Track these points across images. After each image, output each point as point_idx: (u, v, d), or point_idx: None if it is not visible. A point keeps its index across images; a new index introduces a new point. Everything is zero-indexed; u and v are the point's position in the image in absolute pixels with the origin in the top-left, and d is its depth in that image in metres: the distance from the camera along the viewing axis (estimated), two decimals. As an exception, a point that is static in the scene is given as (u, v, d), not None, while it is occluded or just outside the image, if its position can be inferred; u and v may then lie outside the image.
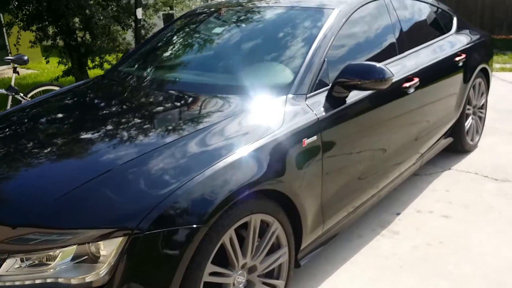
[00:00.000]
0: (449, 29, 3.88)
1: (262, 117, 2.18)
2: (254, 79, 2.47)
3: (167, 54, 3.18)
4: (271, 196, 2.04)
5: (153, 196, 1.65)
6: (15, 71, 5.25)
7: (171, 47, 3.22)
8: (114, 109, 2.47)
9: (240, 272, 1.99)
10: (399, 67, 2.95)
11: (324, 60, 2.49)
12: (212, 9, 3.31)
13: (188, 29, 3.29)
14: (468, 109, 4.00)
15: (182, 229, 1.65)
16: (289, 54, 2.59)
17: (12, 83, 5.18)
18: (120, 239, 1.55)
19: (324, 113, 2.31)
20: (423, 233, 2.92)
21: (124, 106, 2.49)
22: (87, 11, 7.17)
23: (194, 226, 1.68)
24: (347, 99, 2.46)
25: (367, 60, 2.80)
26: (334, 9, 2.76)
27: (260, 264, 2.07)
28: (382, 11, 3.10)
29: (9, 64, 5.30)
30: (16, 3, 7.02)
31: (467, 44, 3.85)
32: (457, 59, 3.59)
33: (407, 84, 2.91)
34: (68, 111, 2.61)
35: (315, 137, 2.23)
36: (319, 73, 2.44)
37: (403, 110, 2.92)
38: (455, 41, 3.75)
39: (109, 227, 1.56)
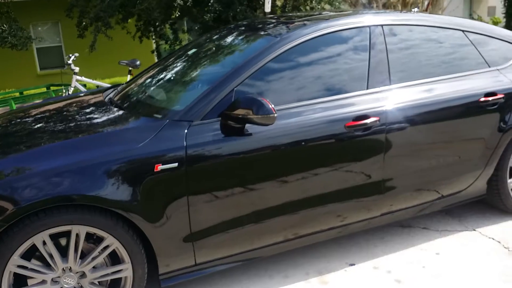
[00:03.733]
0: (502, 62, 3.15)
1: (126, 134, 2.32)
2: (160, 102, 2.60)
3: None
4: (104, 212, 2.19)
5: None
6: (130, 72, 6.25)
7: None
8: None
9: (68, 274, 2.21)
10: (347, 105, 2.63)
11: (233, 90, 2.44)
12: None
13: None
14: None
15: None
16: (205, 80, 2.62)
17: None
18: None
19: (199, 143, 2.31)
20: (347, 292, 2.60)
21: None
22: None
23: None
24: (249, 133, 2.39)
25: (302, 95, 2.60)
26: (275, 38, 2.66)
27: (90, 272, 2.25)
28: (352, 42, 2.79)
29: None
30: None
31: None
32: (483, 99, 2.93)
33: (355, 123, 2.58)
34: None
35: (175, 164, 2.26)
36: (218, 103, 2.41)
37: (345, 156, 2.61)
38: (494, 78, 3.05)
39: None
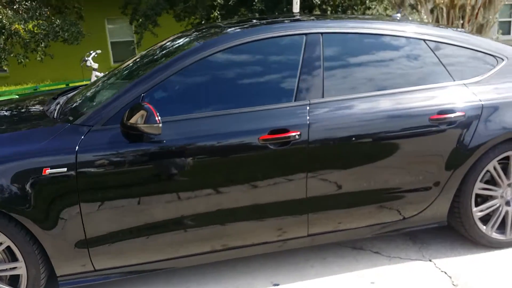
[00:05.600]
0: (476, 74, 2.79)
1: (31, 136, 2.38)
2: (80, 107, 2.61)
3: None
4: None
5: None
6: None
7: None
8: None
9: None
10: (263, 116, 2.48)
11: (142, 96, 2.40)
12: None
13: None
14: (493, 190, 2.82)
15: None
16: (122, 87, 2.57)
17: None
18: None
19: (94, 148, 2.29)
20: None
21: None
22: None
23: None
24: (147, 141, 2.33)
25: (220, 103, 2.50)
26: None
27: (-17, 266, 2.33)
28: (284, 50, 2.62)
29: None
30: None
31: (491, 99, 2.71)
32: (435, 117, 2.62)
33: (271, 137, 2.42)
34: None
35: (64, 169, 2.26)
36: (122, 108, 2.38)
37: (258, 170, 2.46)
38: (455, 92, 2.71)
39: None
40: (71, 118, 2.46)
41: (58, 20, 8.55)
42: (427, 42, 2.76)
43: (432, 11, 7.35)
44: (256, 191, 2.47)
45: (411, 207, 2.73)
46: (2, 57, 8.24)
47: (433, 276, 2.70)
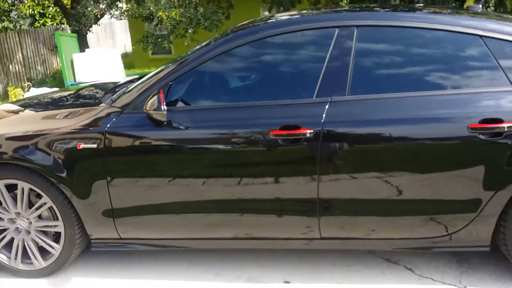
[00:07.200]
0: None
1: (78, 116, 2.74)
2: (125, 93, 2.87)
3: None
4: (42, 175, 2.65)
5: None
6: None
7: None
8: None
9: (20, 219, 2.78)
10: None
11: (169, 85, 2.58)
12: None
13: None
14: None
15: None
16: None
17: None
18: None
19: (121, 129, 2.55)
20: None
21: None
22: None
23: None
24: (166, 126, 2.49)
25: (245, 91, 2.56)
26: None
27: (34, 221, 2.77)
28: (312, 44, 2.54)
29: None
30: None
31: None
32: (476, 126, 2.30)
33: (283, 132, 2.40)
34: None
35: (94, 145, 2.57)
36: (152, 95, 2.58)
37: (267, 165, 2.47)
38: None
39: None
40: (110, 102, 2.75)
41: (201, 8, 9.24)
42: (483, 39, 2.40)
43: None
44: (274, 186, 2.46)
45: (437, 226, 2.45)
46: (150, 41, 9.27)
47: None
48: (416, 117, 2.33)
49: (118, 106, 2.65)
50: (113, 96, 2.88)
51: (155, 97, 2.40)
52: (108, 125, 2.56)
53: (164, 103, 2.39)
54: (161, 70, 2.70)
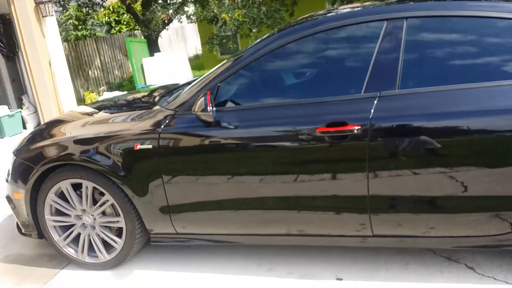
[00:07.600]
0: None
1: (135, 117, 2.90)
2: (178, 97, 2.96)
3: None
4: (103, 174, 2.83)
5: None
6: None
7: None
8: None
9: (86, 215, 2.99)
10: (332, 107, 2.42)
11: (218, 86, 2.65)
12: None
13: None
14: None
15: (28, 166, 2.96)
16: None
17: None
18: None
19: (174, 130, 2.66)
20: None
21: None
22: None
23: (34, 167, 2.94)
24: (226, 125, 2.54)
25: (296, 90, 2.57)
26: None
27: (98, 217, 2.96)
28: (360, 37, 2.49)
29: None
30: None
31: None
32: None
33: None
34: None
35: (150, 146, 2.70)
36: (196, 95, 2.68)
37: (313, 163, 2.46)
38: None
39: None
40: (166, 105, 2.87)
41: (264, 8, 9.33)
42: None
43: None
44: (322, 182, 2.45)
45: (503, 223, 2.31)
46: (215, 42, 9.49)
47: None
48: (485, 110, 2.20)
49: (171, 108, 2.76)
50: (169, 99, 3.00)
51: (203, 98, 2.47)
52: (162, 127, 2.68)
53: (211, 104, 2.45)
54: (212, 72, 2.77)
